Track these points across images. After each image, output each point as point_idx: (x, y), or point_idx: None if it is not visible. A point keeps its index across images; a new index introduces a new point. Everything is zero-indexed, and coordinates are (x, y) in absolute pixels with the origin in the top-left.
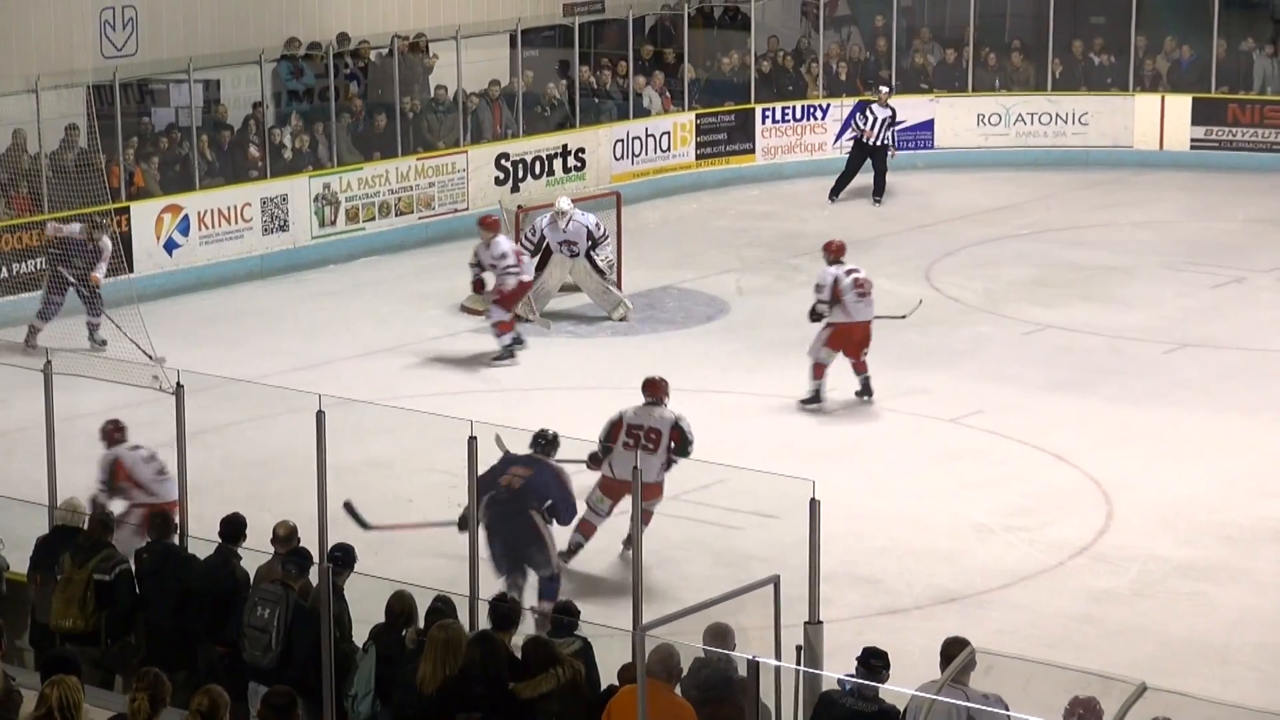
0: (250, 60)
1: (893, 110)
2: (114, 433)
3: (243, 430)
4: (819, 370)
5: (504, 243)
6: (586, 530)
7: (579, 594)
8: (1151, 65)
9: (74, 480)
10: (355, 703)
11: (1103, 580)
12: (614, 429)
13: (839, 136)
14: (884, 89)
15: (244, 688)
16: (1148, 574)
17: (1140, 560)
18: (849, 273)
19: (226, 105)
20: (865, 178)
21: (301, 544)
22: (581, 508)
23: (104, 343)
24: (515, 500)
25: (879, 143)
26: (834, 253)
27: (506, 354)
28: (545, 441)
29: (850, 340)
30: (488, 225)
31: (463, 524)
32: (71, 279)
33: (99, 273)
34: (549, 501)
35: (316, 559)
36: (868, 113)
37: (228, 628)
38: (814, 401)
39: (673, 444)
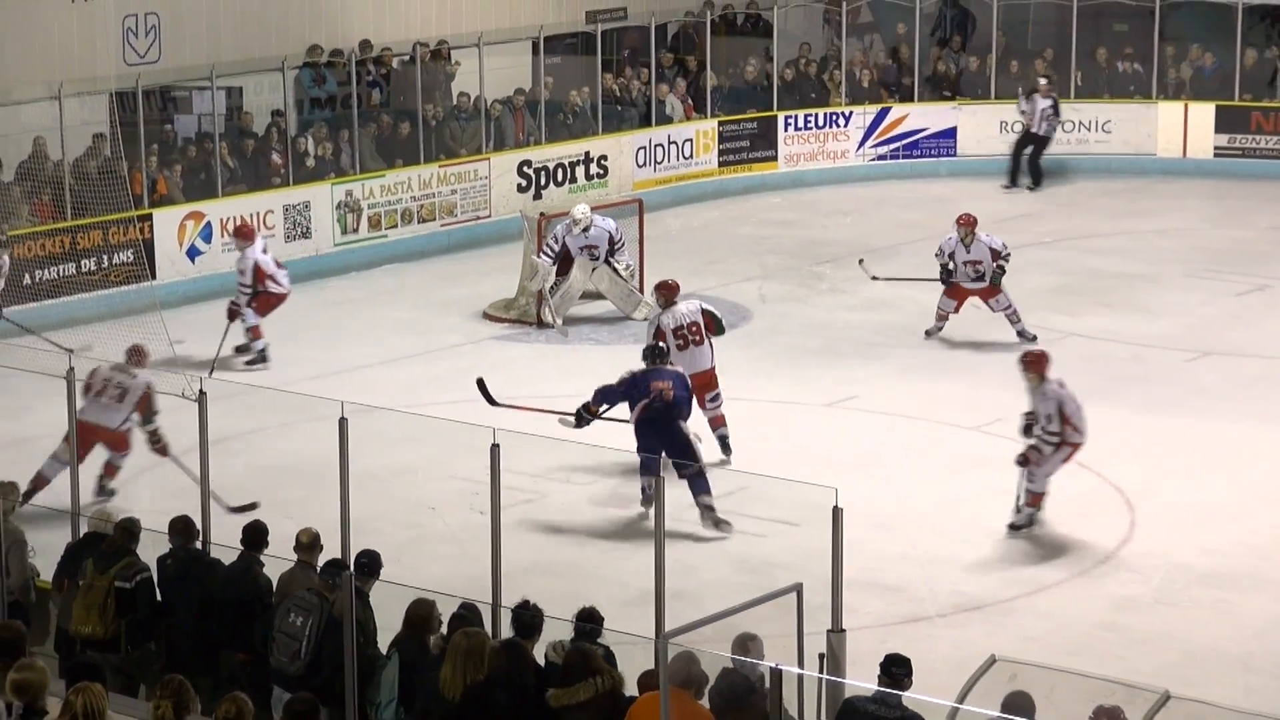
0: (273, 67)
1: (1054, 99)
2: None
3: (265, 437)
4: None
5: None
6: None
7: (598, 600)
8: (1175, 73)
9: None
10: (379, 710)
11: (1126, 588)
12: (659, 336)
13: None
14: (1043, 80)
15: (267, 695)
16: (1171, 582)
17: (1163, 568)
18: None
19: (251, 112)
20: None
21: (322, 550)
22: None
23: None
24: (670, 410)
25: (1041, 131)
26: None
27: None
28: (658, 353)
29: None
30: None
31: (579, 417)
32: None
33: None
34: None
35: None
36: (1034, 98)
37: (250, 634)
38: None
39: (708, 329)
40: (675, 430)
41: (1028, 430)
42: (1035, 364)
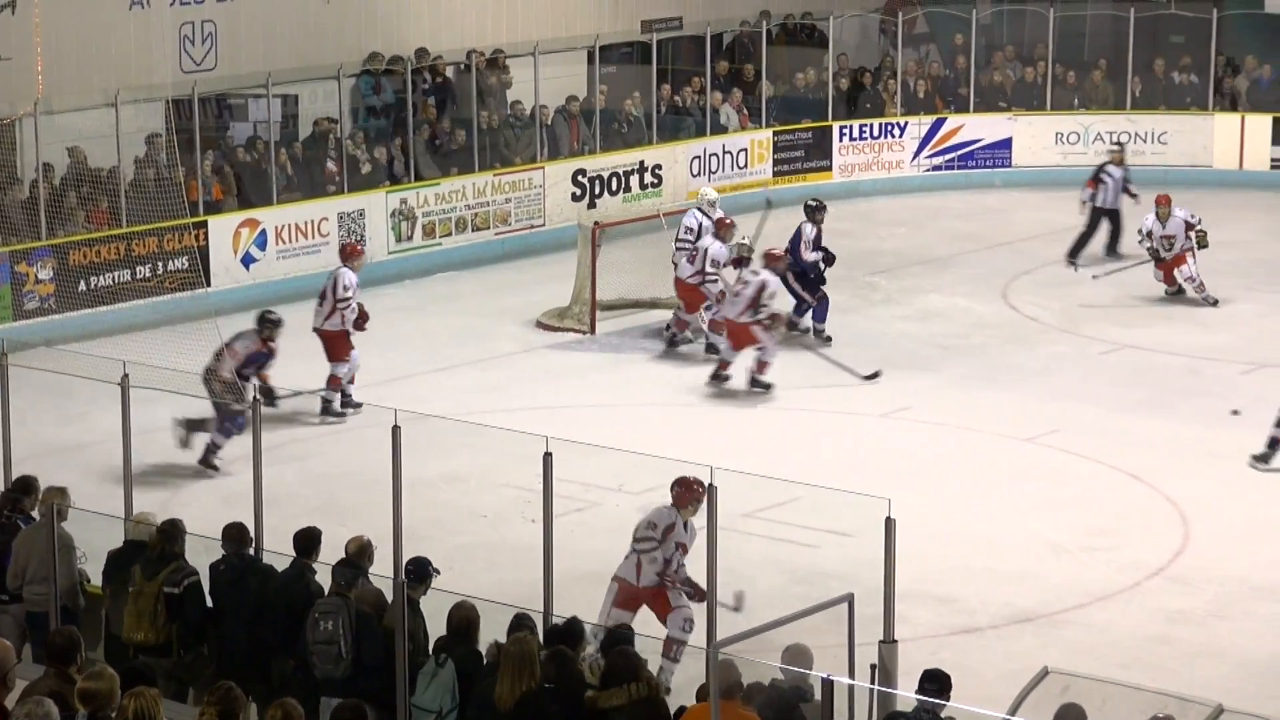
0: (329, 75)
1: (1126, 169)
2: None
3: (319, 444)
4: None
5: None
6: None
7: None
8: (1231, 84)
9: (149, 494)
10: (439, 718)
11: (1179, 601)
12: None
13: (1090, 196)
14: (1116, 145)
15: (316, 702)
16: (1225, 595)
17: (1217, 581)
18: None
19: (307, 119)
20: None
21: (372, 558)
22: None
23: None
24: None
25: (1115, 206)
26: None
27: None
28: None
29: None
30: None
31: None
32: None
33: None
34: None
35: (391, 573)
36: (1103, 177)
37: (302, 641)
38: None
39: None
40: None
41: None
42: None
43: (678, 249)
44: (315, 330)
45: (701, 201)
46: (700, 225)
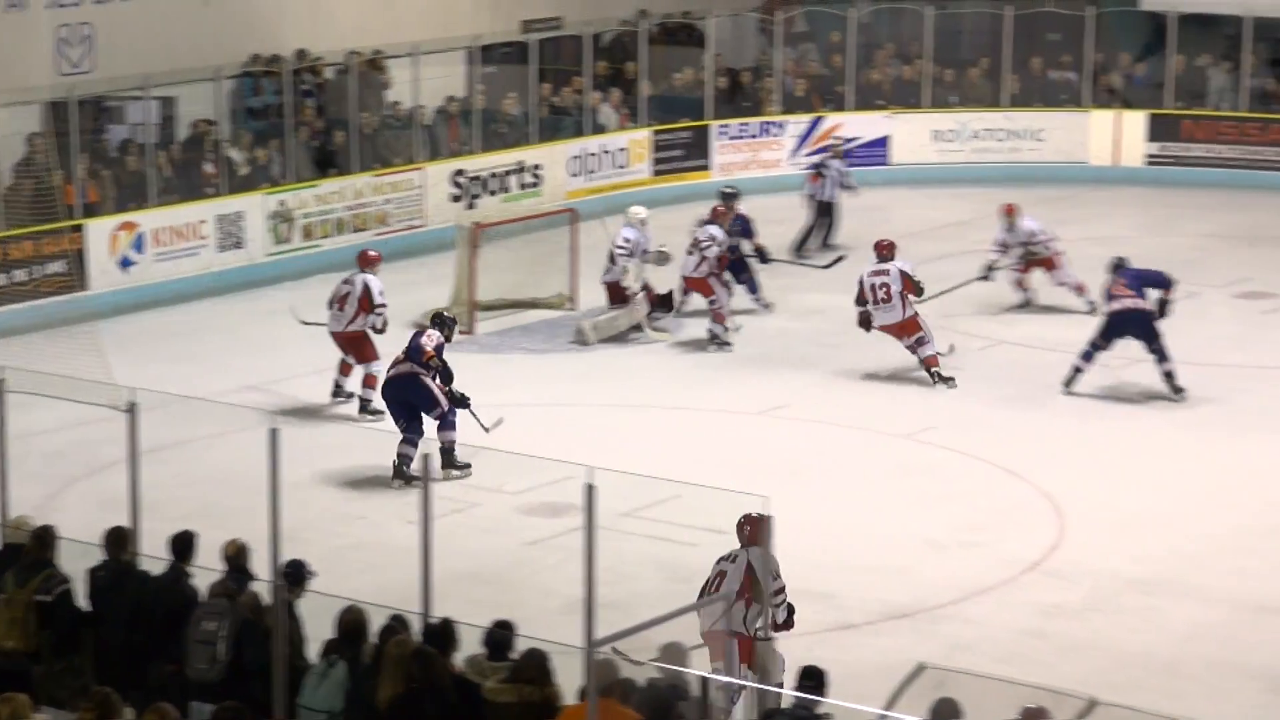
0: (208, 77)
1: (845, 163)
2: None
3: (196, 448)
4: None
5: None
6: None
7: (528, 609)
8: (1106, 81)
9: (25, 496)
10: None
11: (1055, 595)
12: (860, 290)
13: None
14: (837, 140)
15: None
16: (1099, 589)
17: (1092, 575)
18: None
19: (183, 122)
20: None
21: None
22: None
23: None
24: None
25: (833, 199)
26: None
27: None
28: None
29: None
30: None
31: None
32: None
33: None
34: None
35: (270, 576)
36: (824, 172)
37: (179, 645)
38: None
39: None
40: None
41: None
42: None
43: (617, 257)
44: (335, 334)
45: (633, 220)
46: (636, 239)
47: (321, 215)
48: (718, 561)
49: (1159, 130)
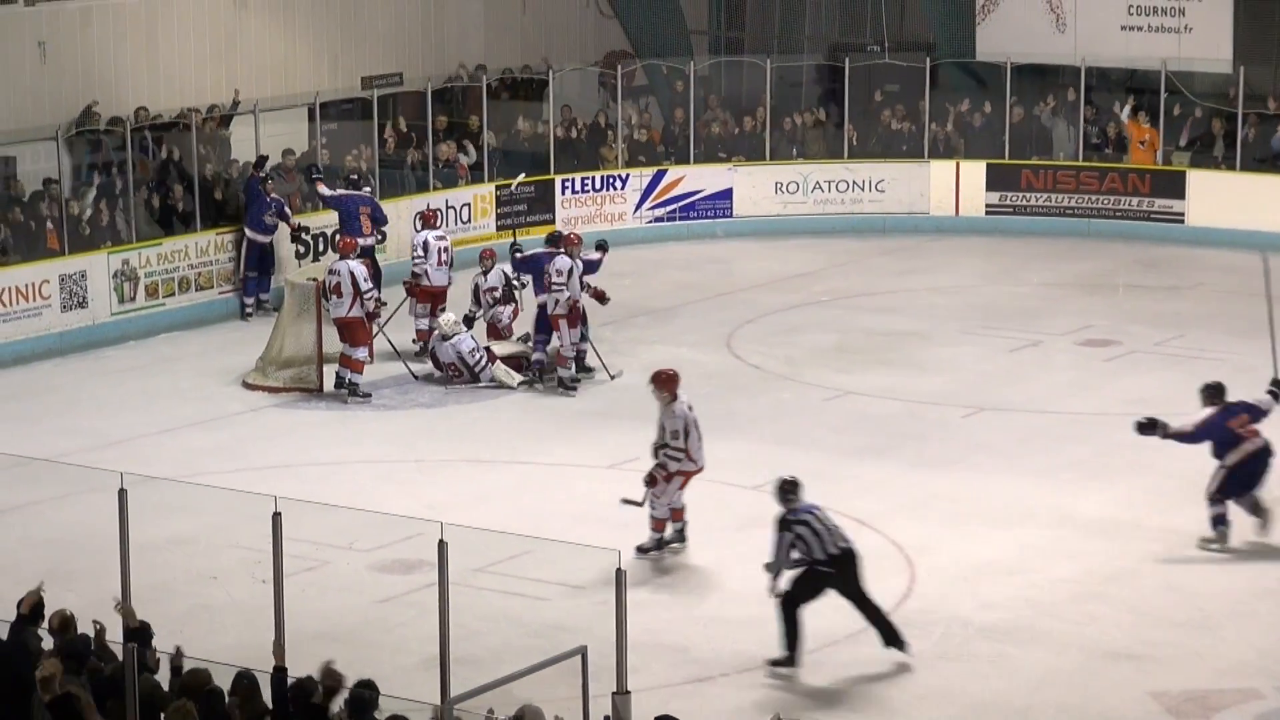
0: (48, 136)
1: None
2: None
3: (42, 509)
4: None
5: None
6: None
7: (383, 667)
8: (944, 131)
9: None
10: None
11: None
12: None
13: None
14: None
15: None
16: (950, 637)
17: (943, 623)
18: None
19: (24, 181)
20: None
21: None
22: None
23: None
24: None
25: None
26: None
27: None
28: None
29: None
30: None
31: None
32: None
33: None
34: None
35: (122, 638)
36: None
37: (25, 709)
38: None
39: None
40: None
41: (657, 451)
42: (667, 383)
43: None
44: (335, 320)
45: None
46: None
47: (165, 273)
48: None
49: (998, 180)
